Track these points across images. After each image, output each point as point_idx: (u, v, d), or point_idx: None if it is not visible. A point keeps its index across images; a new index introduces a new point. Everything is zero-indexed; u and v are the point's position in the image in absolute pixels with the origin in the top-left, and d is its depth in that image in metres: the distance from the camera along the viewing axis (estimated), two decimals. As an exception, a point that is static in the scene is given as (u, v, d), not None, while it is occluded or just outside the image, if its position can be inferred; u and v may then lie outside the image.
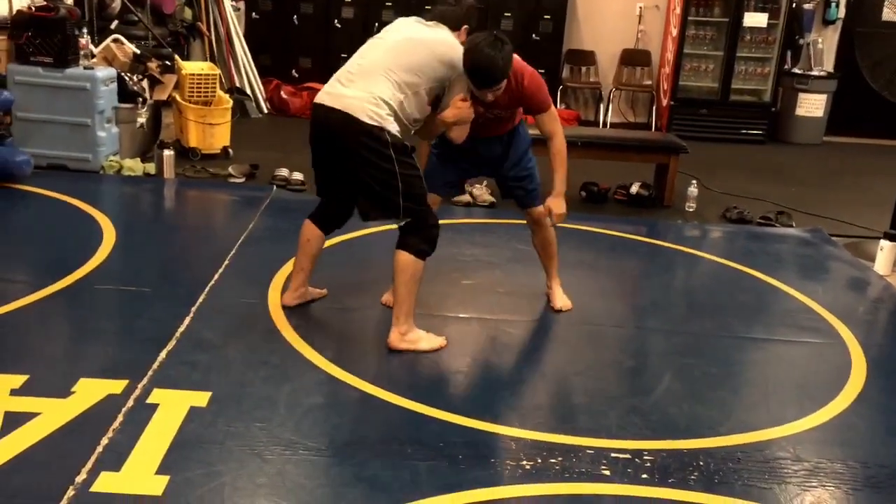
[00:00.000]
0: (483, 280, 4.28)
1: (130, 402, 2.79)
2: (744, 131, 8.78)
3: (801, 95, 8.88)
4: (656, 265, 4.90)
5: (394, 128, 3.18)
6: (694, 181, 6.06)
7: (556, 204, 3.58)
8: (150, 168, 5.72)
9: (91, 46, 6.04)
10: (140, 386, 2.89)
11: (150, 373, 2.99)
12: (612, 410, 3.03)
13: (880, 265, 4.83)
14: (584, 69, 9.29)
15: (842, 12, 9.05)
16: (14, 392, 2.81)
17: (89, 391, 2.84)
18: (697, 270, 4.85)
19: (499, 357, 3.48)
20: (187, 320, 3.46)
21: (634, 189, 6.02)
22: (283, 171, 5.82)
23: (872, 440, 3.00)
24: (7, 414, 2.66)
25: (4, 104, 5.19)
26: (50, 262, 4.03)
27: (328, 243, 3.87)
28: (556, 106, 8.67)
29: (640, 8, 9.12)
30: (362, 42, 3.39)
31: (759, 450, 2.82)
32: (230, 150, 6.43)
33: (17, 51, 5.57)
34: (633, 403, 3.10)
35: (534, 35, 8.71)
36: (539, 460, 2.66)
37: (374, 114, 3.13)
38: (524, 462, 2.64)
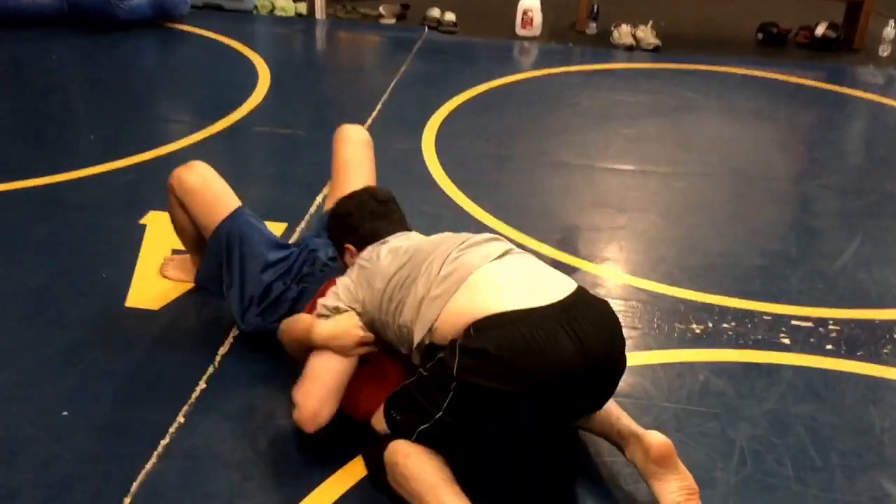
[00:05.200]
0: (647, 129, 3.99)
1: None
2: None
3: None
4: (842, 115, 4.43)
5: None
6: (891, 21, 5.36)
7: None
8: (302, 8, 5.61)
9: None
10: (298, 229, 2.89)
11: (306, 217, 2.97)
12: (793, 274, 2.78)
13: None
14: None
15: None
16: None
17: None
18: (891, 122, 4.34)
19: (663, 212, 3.24)
20: (342, 165, 3.41)
21: (820, 30, 5.39)
22: (435, 12, 5.56)
23: None
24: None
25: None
26: (210, 101, 4.08)
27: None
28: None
29: None
30: None
31: (964, 325, 2.53)
32: (381, -10, 6.21)
33: None
34: (817, 267, 2.83)
35: None
36: (710, 324, 2.48)
37: None
38: (693, 326, 2.48)
